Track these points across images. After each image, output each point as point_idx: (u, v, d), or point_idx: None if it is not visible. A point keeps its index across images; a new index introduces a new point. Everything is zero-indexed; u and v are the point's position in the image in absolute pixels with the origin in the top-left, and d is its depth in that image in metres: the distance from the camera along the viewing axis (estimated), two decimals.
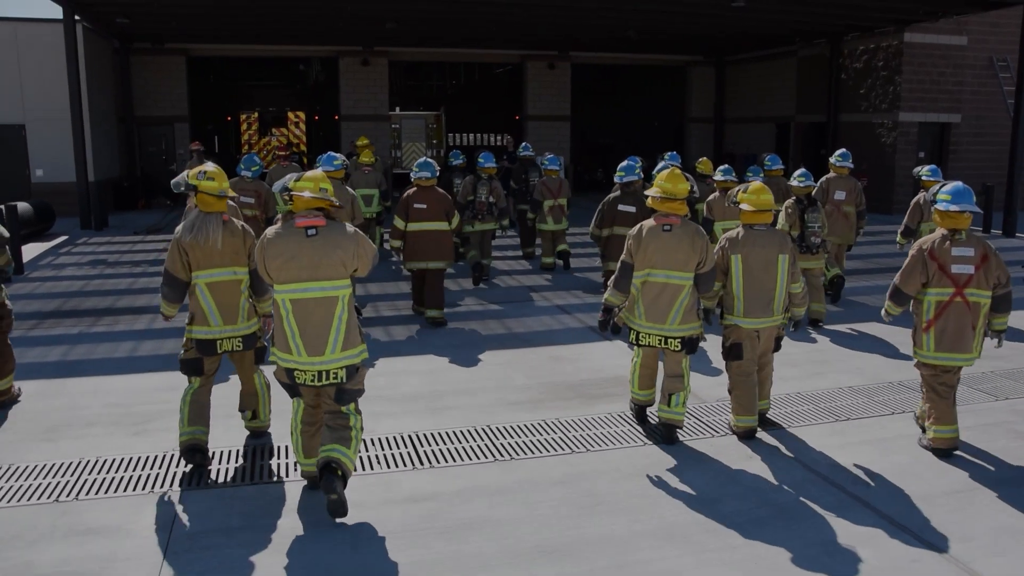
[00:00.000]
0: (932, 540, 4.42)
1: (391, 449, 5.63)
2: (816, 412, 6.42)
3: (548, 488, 5.03)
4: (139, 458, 5.45)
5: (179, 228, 5.23)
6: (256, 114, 29.12)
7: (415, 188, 9.03)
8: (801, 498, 4.94)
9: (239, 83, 30.35)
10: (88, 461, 5.39)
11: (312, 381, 4.59)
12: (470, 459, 5.48)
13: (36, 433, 5.90)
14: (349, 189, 9.30)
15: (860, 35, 20.86)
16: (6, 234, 6.51)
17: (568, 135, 25.81)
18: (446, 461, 5.44)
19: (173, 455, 5.46)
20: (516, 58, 25.63)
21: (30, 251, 14.18)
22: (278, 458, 5.47)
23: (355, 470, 5.12)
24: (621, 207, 9.31)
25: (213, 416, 5.47)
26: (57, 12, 16.83)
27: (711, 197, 9.93)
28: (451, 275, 11.42)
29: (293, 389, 4.75)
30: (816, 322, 9.05)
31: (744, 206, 5.90)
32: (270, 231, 4.66)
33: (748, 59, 25.49)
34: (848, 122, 21.44)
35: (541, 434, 5.92)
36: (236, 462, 5.40)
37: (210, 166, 5.29)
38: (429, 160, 9.24)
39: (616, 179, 9.61)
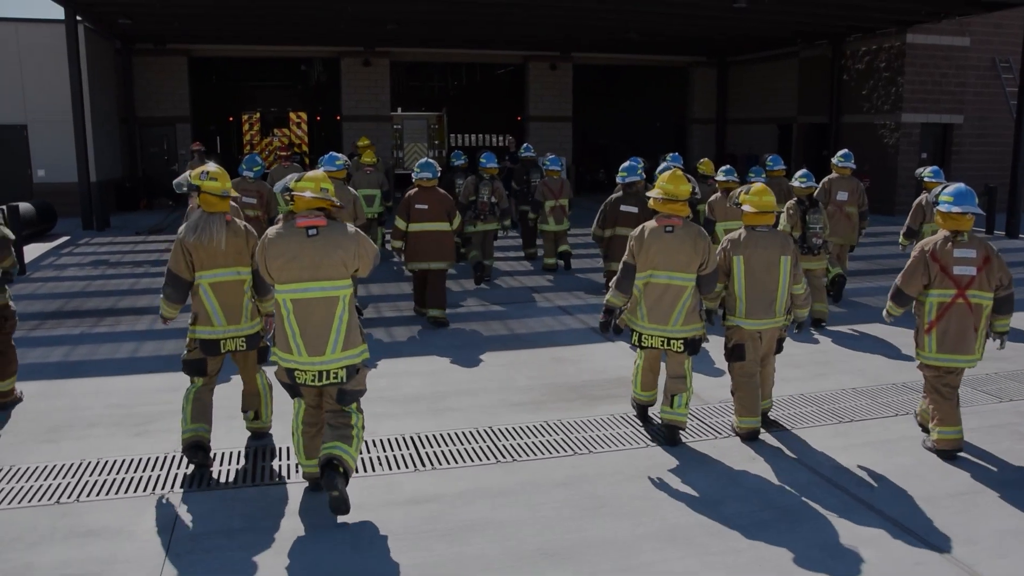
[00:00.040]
0: (936, 542, 4.40)
1: (393, 451, 5.61)
2: (819, 414, 6.40)
3: (550, 490, 5.02)
4: (140, 459, 5.43)
5: (182, 228, 5.23)
6: (258, 114, 29.07)
7: (416, 189, 9.02)
8: (805, 500, 4.93)
9: (241, 84, 30.33)
10: (89, 462, 5.37)
11: (312, 381, 4.59)
12: (472, 461, 5.46)
13: (37, 434, 5.89)
14: (351, 189, 9.30)
15: (862, 36, 20.83)
16: (11, 236, 6.50)
17: (570, 136, 25.80)
18: (448, 463, 5.43)
19: (175, 456, 5.45)
20: (518, 59, 25.63)
21: (32, 252, 14.19)
22: (279, 459, 5.45)
23: (356, 471, 5.12)
24: (623, 207, 9.31)
25: (215, 418, 5.45)
26: (59, 13, 16.86)
27: (713, 198, 9.92)
28: (453, 276, 11.41)
29: (294, 389, 4.75)
30: (819, 322, 9.04)
31: (746, 208, 5.90)
32: (271, 231, 4.65)
33: (750, 60, 25.46)
34: (850, 123, 21.41)
35: (543, 436, 5.91)
36: (238, 463, 5.39)
37: (212, 166, 5.29)
38: (430, 160, 9.24)
39: (618, 179, 9.61)
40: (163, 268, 5.51)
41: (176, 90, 22.75)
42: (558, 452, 5.60)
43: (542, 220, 12.51)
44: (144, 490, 4.97)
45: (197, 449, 5.17)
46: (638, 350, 6.02)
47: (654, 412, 6.19)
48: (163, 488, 5.00)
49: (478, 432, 5.96)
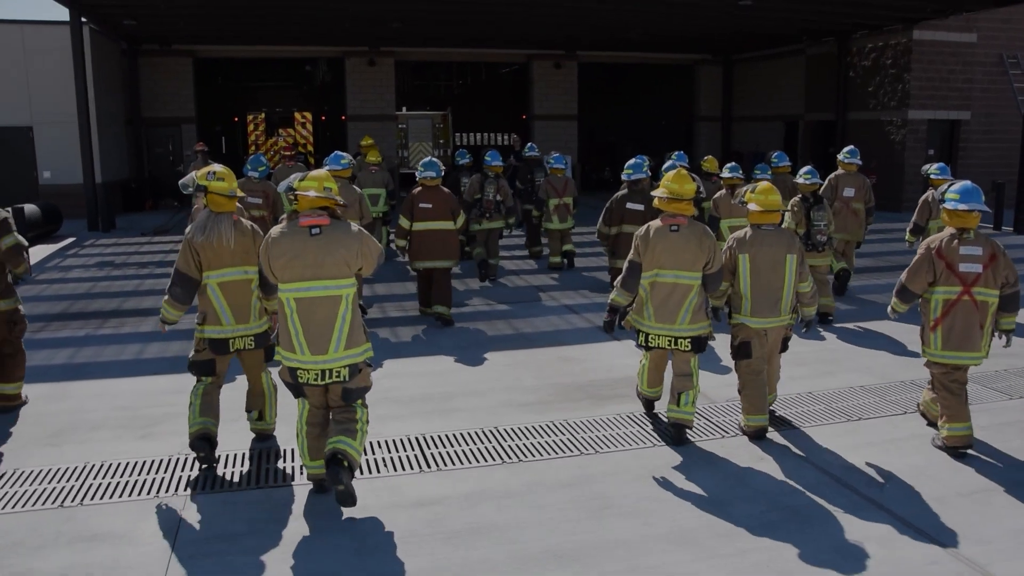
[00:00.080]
0: (948, 542, 4.35)
1: (397, 452, 5.58)
2: (827, 412, 6.35)
3: (557, 491, 4.98)
4: (145, 462, 5.41)
5: (190, 228, 5.23)
6: (263, 115, 29.06)
7: (420, 187, 9.00)
8: (814, 499, 4.88)
9: (246, 84, 30.32)
10: (93, 465, 5.35)
11: (315, 380, 4.58)
12: (477, 461, 5.43)
13: (41, 437, 5.88)
14: (356, 188, 9.28)
15: (868, 33, 20.72)
16: (24, 243, 6.51)
17: (575, 134, 25.74)
18: (453, 464, 5.39)
19: (180, 458, 5.43)
20: (522, 58, 25.58)
21: (37, 253, 14.19)
22: (284, 461, 5.43)
23: (362, 470, 5.09)
24: (629, 205, 9.28)
25: (219, 419, 5.42)
26: (64, 14, 16.84)
27: (717, 195, 9.87)
28: (458, 275, 11.38)
29: (297, 389, 4.73)
30: (826, 316, 8.98)
31: (752, 206, 5.87)
32: (275, 230, 4.65)
33: (756, 57, 25.37)
34: (857, 120, 21.31)
35: (550, 436, 5.87)
36: (242, 466, 5.37)
37: (218, 167, 5.29)
38: (434, 159, 9.22)
39: (624, 177, 9.57)
40: (168, 269, 5.50)
41: (181, 91, 22.78)
42: (564, 452, 5.56)
43: (546, 218, 12.47)
44: (148, 493, 4.95)
45: (204, 441, 5.16)
46: (644, 352, 6.00)
47: (660, 411, 6.15)
48: (167, 491, 4.98)
49: (484, 433, 5.93)
